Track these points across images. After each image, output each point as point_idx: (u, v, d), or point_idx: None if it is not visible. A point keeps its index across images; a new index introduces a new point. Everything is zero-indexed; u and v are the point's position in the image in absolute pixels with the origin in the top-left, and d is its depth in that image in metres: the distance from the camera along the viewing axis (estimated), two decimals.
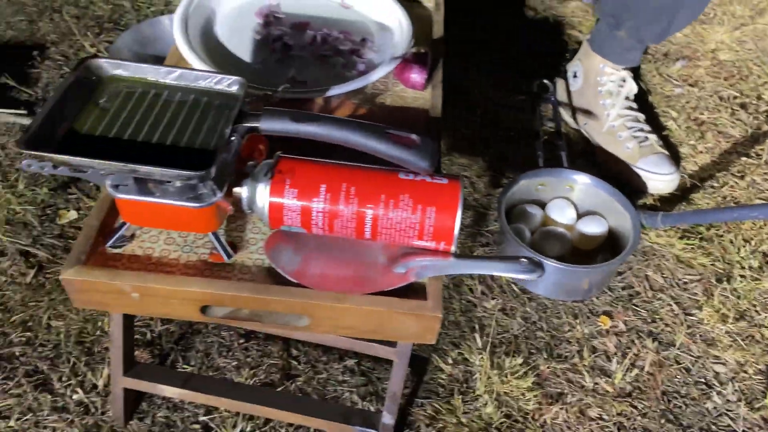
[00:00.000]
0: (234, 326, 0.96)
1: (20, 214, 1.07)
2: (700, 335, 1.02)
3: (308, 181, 0.68)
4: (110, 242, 0.70)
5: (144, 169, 0.60)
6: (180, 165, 0.60)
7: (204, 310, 0.70)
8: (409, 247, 0.70)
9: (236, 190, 0.69)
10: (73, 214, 1.08)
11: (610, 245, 1.08)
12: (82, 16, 1.49)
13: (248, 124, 0.66)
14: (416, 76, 0.92)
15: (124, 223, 0.70)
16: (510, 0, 1.67)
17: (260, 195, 0.68)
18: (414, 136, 0.66)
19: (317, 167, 0.69)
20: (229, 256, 0.71)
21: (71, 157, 0.60)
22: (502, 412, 0.90)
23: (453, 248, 0.69)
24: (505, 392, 0.92)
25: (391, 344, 0.77)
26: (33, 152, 0.59)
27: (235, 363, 0.93)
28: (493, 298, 1.04)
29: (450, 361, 0.96)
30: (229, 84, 0.71)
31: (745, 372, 0.98)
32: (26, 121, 1.21)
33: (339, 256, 0.71)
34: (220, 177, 0.66)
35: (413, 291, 0.70)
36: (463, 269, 0.71)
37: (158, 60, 1.34)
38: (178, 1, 1.53)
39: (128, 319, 0.79)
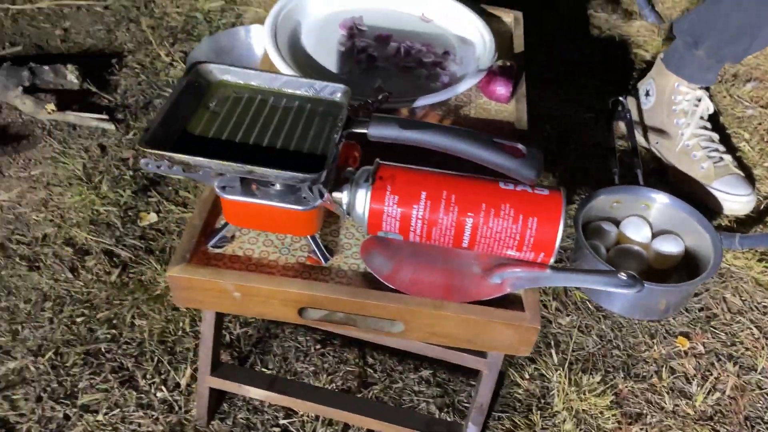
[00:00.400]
0: (310, 332, 0.97)
1: (104, 215, 1.10)
2: None
3: (409, 188, 0.69)
4: (212, 242, 0.72)
5: (260, 171, 0.61)
6: (290, 168, 0.62)
7: (300, 312, 0.71)
8: (504, 258, 0.71)
9: (336, 195, 0.70)
10: (153, 217, 1.10)
11: (685, 265, 1.07)
12: (157, 26, 1.54)
13: (357, 130, 0.67)
14: (502, 89, 0.92)
15: (225, 224, 0.72)
16: (575, 18, 1.67)
17: (360, 200, 0.69)
18: (520, 146, 0.66)
19: (417, 174, 0.70)
20: (326, 259, 0.72)
21: (190, 157, 0.62)
22: (581, 429, 0.89)
23: (552, 260, 0.69)
24: (583, 410, 0.91)
25: (481, 354, 0.77)
26: (153, 151, 0.61)
27: (312, 368, 0.93)
28: (567, 315, 1.03)
29: (526, 376, 0.95)
30: (332, 92, 0.72)
31: None
32: (108, 126, 1.25)
33: (433, 264, 0.72)
34: (324, 181, 0.67)
35: (509, 302, 0.70)
36: (560, 281, 0.70)
37: None
38: (250, 13, 1.57)
39: (219, 320, 0.81)
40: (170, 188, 1.15)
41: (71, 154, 1.20)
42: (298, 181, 0.63)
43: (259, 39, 1.41)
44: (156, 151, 0.62)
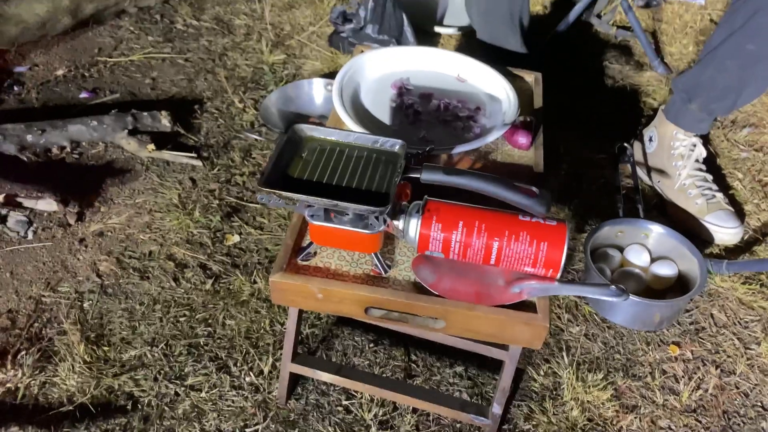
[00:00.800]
0: (364, 333, 1.19)
1: (197, 236, 1.35)
2: (758, 366, 1.18)
3: (450, 219, 0.91)
4: (300, 257, 0.95)
5: (343, 204, 0.85)
6: (363, 202, 0.85)
7: (366, 310, 0.94)
8: (522, 272, 0.92)
9: (394, 222, 0.93)
10: (236, 238, 1.35)
11: (679, 286, 1.27)
12: (230, 76, 1.80)
13: (413, 175, 0.90)
14: (523, 139, 1.15)
15: (310, 243, 0.96)
16: (592, 69, 1.90)
17: (412, 227, 0.92)
18: (534, 188, 0.89)
19: (456, 208, 0.92)
20: (386, 271, 0.95)
21: (293, 194, 0.86)
22: (585, 416, 1.09)
23: (558, 275, 0.91)
24: (588, 401, 1.11)
25: (504, 347, 0.98)
26: (268, 190, 0.86)
27: (366, 362, 1.16)
28: (577, 325, 1.24)
29: (542, 373, 1.16)
30: (392, 145, 0.95)
31: None
32: (196, 163, 1.51)
33: (467, 276, 0.94)
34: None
35: (525, 306, 0.91)
36: (565, 291, 0.92)
37: (298, 116, 1.64)
38: (308, 65, 1.84)
39: (300, 318, 1.04)
40: (249, 215, 1.40)
41: (167, 185, 1.45)
42: (369, 213, 0.86)
43: (318, 90, 1.67)
44: (270, 190, 0.86)
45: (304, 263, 0.95)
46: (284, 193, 0.86)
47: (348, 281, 0.93)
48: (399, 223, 0.92)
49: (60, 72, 1.78)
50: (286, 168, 0.92)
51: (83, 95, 1.70)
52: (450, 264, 0.94)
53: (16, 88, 1.71)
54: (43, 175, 1.44)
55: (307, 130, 0.97)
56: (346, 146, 0.96)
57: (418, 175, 0.90)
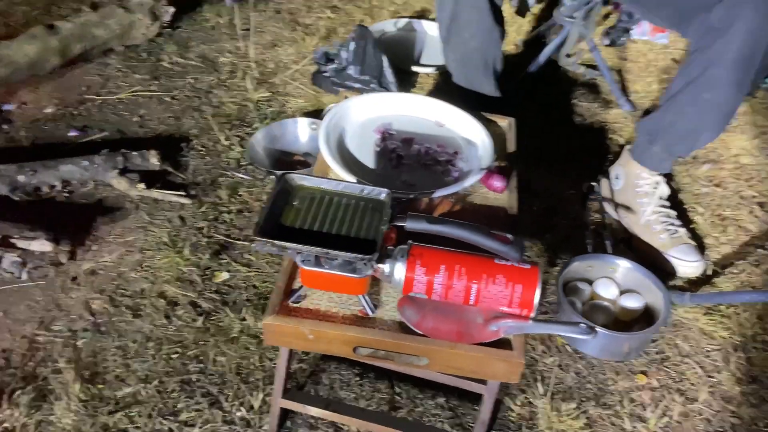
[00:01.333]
0: (350, 367, 1.25)
1: (187, 274, 1.39)
2: (720, 394, 1.27)
3: (432, 263, 0.98)
4: (292, 299, 1.01)
5: (333, 253, 0.91)
6: (352, 250, 0.92)
7: (354, 350, 0.99)
8: (499, 312, 0.99)
9: (380, 266, 0.99)
10: (225, 275, 1.40)
11: (645, 318, 1.35)
12: (216, 114, 1.86)
13: (398, 223, 0.97)
14: (498, 183, 1.23)
15: (301, 286, 1.01)
16: (562, 107, 2.00)
17: (398, 271, 0.98)
18: (509, 236, 0.97)
19: (438, 253, 0.99)
20: (372, 311, 1.01)
21: (287, 243, 0.92)
22: None
23: (533, 314, 0.98)
24: (562, 429, 1.18)
25: (483, 382, 1.05)
26: (262, 239, 0.92)
27: (353, 395, 1.21)
28: (551, 356, 1.31)
29: (518, 403, 1.23)
30: (378, 193, 1.02)
31: (756, 425, 1.22)
32: (185, 201, 1.56)
33: (449, 315, 1.00)
34: None
35: (503, 343, 0.98)
36: (538, 330, 0.99)
37: (284, 154, 1.70)
38: (291, 103, 1.90)
39: (290, 356, 1.09)
40: (237, 252, 1.46)
41: (157, 224, 1.50)
42: (358, 260, 0.93)
43: (303, 129, 1.74)
44: (264, 239, 0.92)
45: (295, 305, 1.01)
46: (278, 242, 0.92)
47: (337, 322, 0.99)
48: (385, 267, 0.99)
49: (49, 110, 1.82)
50: (279, 216, 0.98)
51: (72, 133, 1.75)
52: (432, 304, 1.01)
53: (4, 126, 1.75)
54: (34, 214, 1.47)
55: (298, 179, 1.03)
56: (334, 194, 1.03)
57: (404, 224, 0.97)
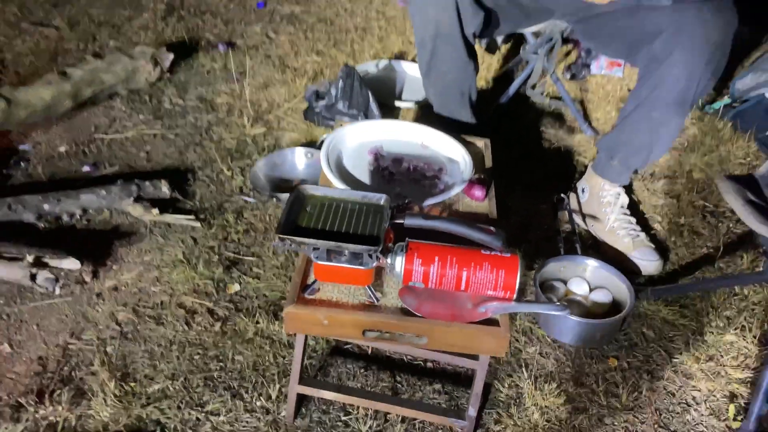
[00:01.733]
0: (356, 361, 1.39)
1: (202, 286, 1.54)
2: (682, 372, 1.43)
3: (428, 255, 1.15)
4: (307, 292, 1.17)
5: (345, 246, 1.07)
6: (359, 243, 1.08)
7: (363, 333, 1.15)
8: (486, 296, 1.16)
9: (383, 259, 1.15)
10: (236, 287, 1.55)
11: (614, 311, 1.52)
12: (217, 148, 2.03)
13: (398, 221, 1.14)
14: (479, 192, 1.41)
15: (315, 281, 1.17)
16: (532, 134, 2.21)
17: (398, 263, 1.15)
18: (492, 228, 1.14)
19: (432, 246, 1.16)
20: (377, 300, 1.16)
21: (305, 239, 1.08)
22: (544, 418, 1.31)
23: (515, 296, 1.14)
24: (546, 406, 1.34)
25: (475, 358, 1.20)
26: (284, 236, 1.07)
27: (359, 385, 1.36)
28: (533, 346, 1.47)
29: (506, 386, 1.38)
30: (378, 199, 1.19)
31: (714, 396, 1.38)
32: (195, 224, 1.71)
33: (444, 300, 1.16)
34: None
35: (491, 322, 1.14)
36: (520, 309, 1.16)
37: (283, 181, 1.87)
38: (285, 137, 2.07)
39: (305, 345, 1.24)
40: (246, 266, 1.61)
41: (171, 244, 1.65)
42: (365, 251, 1.09)
43: (300, 157, 1.91)
44: (285, 236, 1.08)
45: (311, 297, 1.17)
46: (297, 239, 1.08)
47: (348, 309, 1.14)
48: (388, 260, 1.15)
49: (62, 149, 1.97)
50: (295, 220, 1.14)
51: (85, 168, 1.90)
52: (429, 292, 1.17)
53: (22, 164, 1.89)
54: (58, 241, 1.61)
55: (310, 189, 1.20)
56: (341, 201, 1.19)
57: (403, 221, 1.14)
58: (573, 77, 2.45)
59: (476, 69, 1.77)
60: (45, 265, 1.48)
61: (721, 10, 1.43)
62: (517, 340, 1.48)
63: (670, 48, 1.49)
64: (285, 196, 1.75)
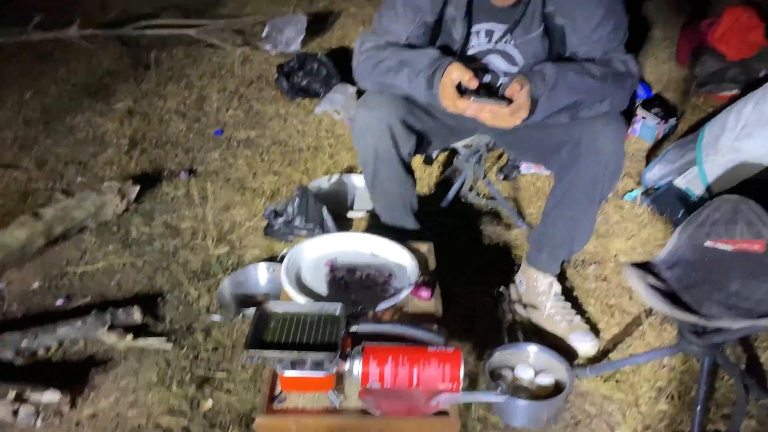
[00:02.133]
0: None
1: (177, 405, 1.64)
2: None
3: (382, 357, 1.30)
4: (275, 402, 1.29)
5: (308, 355, 1.22)
6: (319, 351, 1.23)
7: None
8: (436, 389, 1.31)
9: (342, 364, 1.30)
10: (209, 403, 1.65)
11: (558, 392, 1.67)
12: (184, 270, 2.17)
13: (352, 329, 1.30)
14: (425, 293, 1.58)
15: (281, 392, 1.30)
16: (473, 232, 2.42)
17: (356, 367, 1.29)
18: (435, 326, 1.31)
19: (385, 349, 1.31)
20: (339, 403, 1.30)
21: (271, 352, 1.22)
22: None
23: (461, 387, 1.29)
24: None
25: None
26: (253, 351, 1.22)
27: None
28: (486, 429, 1.60)
29: None
30: (334, 309, 1.35)
31: None
32: (167, 346, 1.82)
33: (399, 398, 1.30)
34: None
35: (442, 413, 1.28)
36: (467, 399, 1.32)
37: (247, 296, 2.02)
38: (248, 254, 2.22)
39: None
40: (218, 382, 1.71)
41: (145, 367, 1.75)
42: (325, 358, 1.23)
43: (263, 273, 2.07)
44: (254, 351, 1.22)
45: (279, 407, 1.29)
46: (264, 352, 1.23)
47: (313, 415, 1.27)
48: (346, 365, 1.30)
49: (35, 285, 2.08)
50: (261, 336, 1.29)
51: (59, 302, 2.01)
52: (386, 391, 1.31)
53: None
54: (34, 374, 1.70)
55: (272, 306, 1.36)
56: (300, 315, 1.35)
57: (356, 329, 1.30)
58: (506, 178, 2.71)
59: (414, 183, 1.99)
60: (25, 400, 1.56)
61: (609, 123, 1.69)
62: (474, 428, 1.61)
63: (574, 156, 1.74)
64: (250, 311, 1.89)
